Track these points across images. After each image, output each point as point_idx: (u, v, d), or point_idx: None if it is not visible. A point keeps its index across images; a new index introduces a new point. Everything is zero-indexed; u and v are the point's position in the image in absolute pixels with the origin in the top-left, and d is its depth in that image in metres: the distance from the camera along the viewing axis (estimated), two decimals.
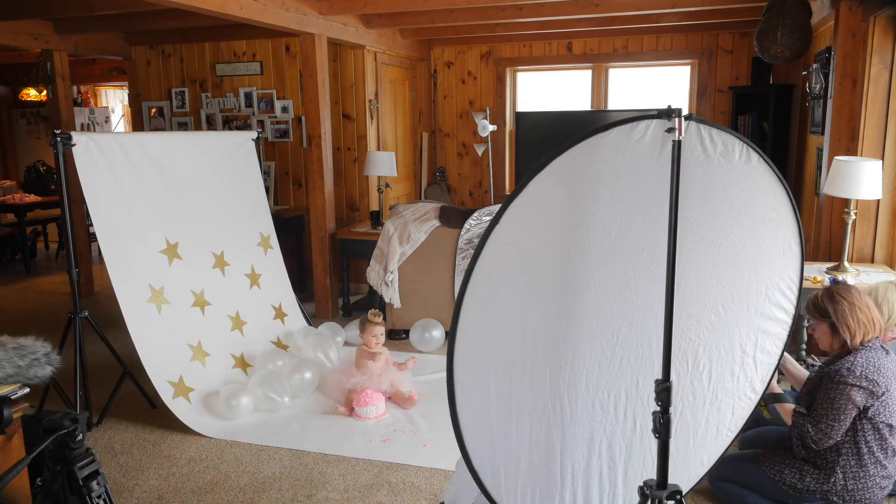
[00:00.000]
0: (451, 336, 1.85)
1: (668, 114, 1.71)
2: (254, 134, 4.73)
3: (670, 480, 2.03)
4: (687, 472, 2.24)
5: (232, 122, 6.29)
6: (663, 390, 1.80)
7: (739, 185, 1.89)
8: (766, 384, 2.25)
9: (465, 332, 1.84)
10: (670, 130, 1.71)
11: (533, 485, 2.06)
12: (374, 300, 5.39)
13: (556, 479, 2.07)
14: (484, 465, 2.00)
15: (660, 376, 1.83)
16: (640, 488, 1.92)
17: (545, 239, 1.87)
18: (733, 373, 2.14)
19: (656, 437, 1.83)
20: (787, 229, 2.00)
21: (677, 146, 1.71)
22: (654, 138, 1.76)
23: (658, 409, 1.81)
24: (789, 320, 2.17)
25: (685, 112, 1.75)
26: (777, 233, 1.99)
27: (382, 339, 4.03)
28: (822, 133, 4.33)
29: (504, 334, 1.91)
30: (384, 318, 4.95)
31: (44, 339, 1.68)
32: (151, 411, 3.81)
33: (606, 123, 1.75)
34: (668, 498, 1.87)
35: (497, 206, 4.75)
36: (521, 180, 1.77)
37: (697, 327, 2.03)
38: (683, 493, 2.17)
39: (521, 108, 7.05)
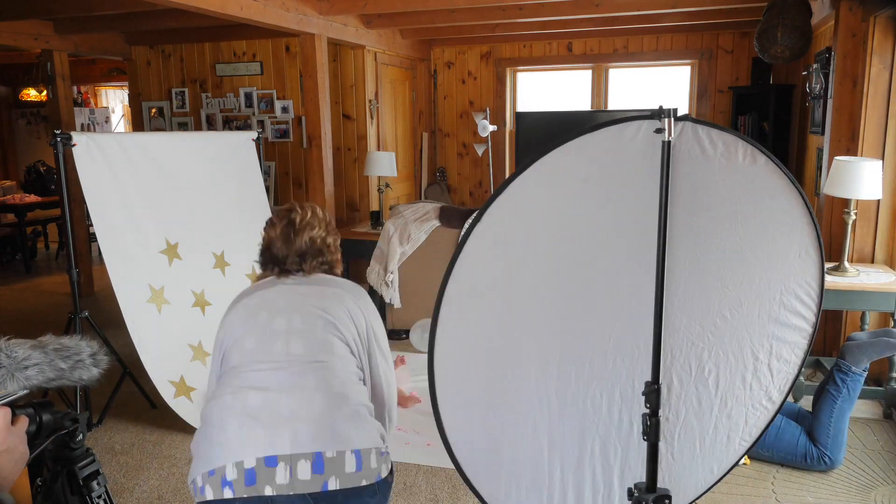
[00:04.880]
0: (431, 330, 1.87)
1: (658, 114, 1.70)
2: (254, 134, 4.73)
3: (675, 487, 2.03)
4: (693, 479, 2.23)
5: (232, 122, 6.28)
6: (652, 392, 1.80)
7: (744, 186, 1.88)
8: (784, 394, 2.20)
9: (446, 327, 1.86)
10: (659, 131, 1.71)
11: (518, 480, 2.06)
12: (374, 300, 5.38)
13: (544, 475, 2.07)
14: (466, 457, 2.01)
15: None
16: (629, 490, 1.92)
17: (530, 238, 1.87)
18: (745, 380, 2.11)
19: (644, 440, 1.83)
20: (802, 233, 1.96)
21: (667, 147, 1.71)
22: (647, 139, 1.76)
23: (647, 411, 1.81)
24: (809, 328, 2.11)
25: (683, 112, 1.75)
26: (791, 237, 1.96)
27: None
28: (822, 133, 4.33)
29: (486, 331, 1.92)
30: (384, 319, 4.96)
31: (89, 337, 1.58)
32: (151, 411, 3.81)
33: (594, 124, 1.75)
34: (656, 501, 1.86)
35: None
36: (505, 180, 1.79)
37: (701, 331, 2.01)
38: (692, 501, 2.17)
39: (521, 108, 7.05)
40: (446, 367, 1.94)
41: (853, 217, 3.60)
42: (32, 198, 7.75)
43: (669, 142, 1.71)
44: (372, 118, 6.00)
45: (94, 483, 1.63)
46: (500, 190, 1.79)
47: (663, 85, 6.77)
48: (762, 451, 3.07)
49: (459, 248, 1.81)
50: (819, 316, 2.09)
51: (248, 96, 6.19)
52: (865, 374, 3.07)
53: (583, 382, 2.00)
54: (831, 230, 4.05)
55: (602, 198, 1.84)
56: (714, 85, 6.34)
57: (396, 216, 4.97)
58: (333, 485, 1.67)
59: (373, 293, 5.34)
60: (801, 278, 2.02)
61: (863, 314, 3.73)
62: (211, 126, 6.34)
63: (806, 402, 3.67)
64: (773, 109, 5.55)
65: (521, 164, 1.77)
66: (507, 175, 7.24)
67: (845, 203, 3.63)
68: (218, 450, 1.70)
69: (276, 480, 1.63)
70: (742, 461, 3.05)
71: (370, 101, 5.96)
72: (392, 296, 4.84)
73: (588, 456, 2.08)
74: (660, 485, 1.92)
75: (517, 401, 2.00)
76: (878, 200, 3.81)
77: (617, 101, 6.83)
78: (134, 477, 3.14)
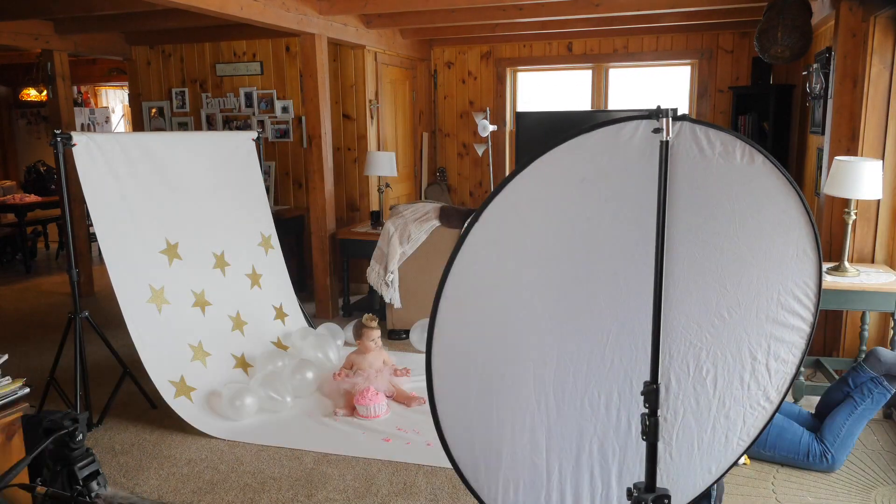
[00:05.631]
0: (429, 327, 1.87)
1: (656, 114, 1.70)
2: (254, 134, 4.73)
3: (673, 487, 2.03)
4: (692, 478, 2.23)
5: (232, 122, 6.28)
6: (650, 392, 1.80)
7: (742, 186, 1.88)
8: (782, 394, 2.20)
9: (443, 326, 1.86)
10: (657, 131, 1.71)
11: (516, 479, 2.07)
12: (374, 300, 5.39)
13: (542, 474, 2.07)
14: (463, 455, 2.01)
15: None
16: (629, 490, 1.92)
17: (528, 238, 1.88)
18: (743, 380, 2.11)
19: (643, 440, 1.83)
20: (800, 233, 1.96)
21: (665, 147, 1.71)
22: (644, 139, 1.76)
23: (646, 410, 1.81)
24: (807, 328, 2.11)
25: (682, 112, 1.74)
26: (789, 237, 1.96)
27: (379, 341, 4.05)
28: (823, 133, 4.33)
29: (483, 330, 1.93)
30: (384, 319, 4.96)
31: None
32: (151, 411, 3.81)
33: (592, 124, 1.75)
34: (655, 501, 1.86)
35: None
36: (503, 180, 1.79)
37: (699, 331, 2.02)
38: (690, 501, 2.16)
39: (521, 108, 7.05)
40: (444, 366, 1.94)
41: (853, 217, 3.60)
42: (32, 198, 7.75)
43: (667, 141, 1.71)
44: (372, 118, 6.00)
45: (94, 483, 1.64)
46: (498, 189, 1.79)
47: (663, 85, 6.76)
48: (763, 450, 3.07)
49: (457, 247, 1.82)
50: (817, 316, 2.09)
51: (249, 96, 6.19)
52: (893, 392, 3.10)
53: (581, 382, 2.00)
54: (831, 230, 4.05)
55: (600, 197, 1.85)
56: (714, 85, 6.33)
57: (396, 216, 4.97)
58: None
59: (373, 293, 5.34)
60: (798, 278, 2.03)
61: (863, 314, 3.73)
62: (211, 126, 6.34)
63: (805, 402, 3.67)
64: (773, 109, 5.55)
65: (520, 163, 1.78)
66: (507, 175, 7.23)
67: (845, 203, 3.63)
68: None
69: None
70: (742, 461, 3.05)
71: (370, 101, 5.96)
72: (392, 296, 4.84)
73: (586, 456, 2.08)
74: (658, 485, 1.92)
75: (515, 400, 2.00)
76: (878, 200, 3.81)
77: (617, 101, 6.82)
78: (134, 477, 3.14)
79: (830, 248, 4.04)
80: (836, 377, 3.77)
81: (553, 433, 2.04)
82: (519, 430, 2.02)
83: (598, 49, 6.61)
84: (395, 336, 4.96)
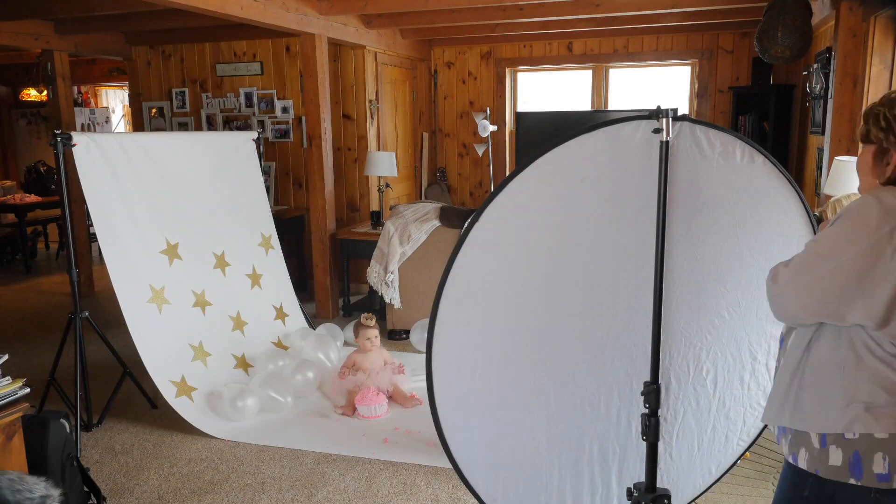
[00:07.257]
0: (429, 328, 1.87)
1: (656, 115, 1.71)
2: (254, 134, 4.73)
3: (673, 487, 2.03)
4: (692, 479, 2.23)
5: (232, 123, 6.29)
6: (651, 392, 1.80)
7: (743, 186, 1.88)
8: None
9: (444, 326, 1.86)
10: (657, 131, 1.71)
11: (516, 478, 2.07)
12: (374, 300, 5.39)
13: (542, 474, 2.07)
14: (463, 455, 2.01)
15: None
16: (629, 490, 1.92)
17: (528, 237, 1.88)
18: (743, 380, 2.11)
19: (643, 440, 1.83)
20: (800, 233, 1.96)
21: (665, 147, 1.71)
22: (645, 139, 1.76)
23: (646, 411, 1.81)
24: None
25: (682, 112, 1.74)
26: (789, 237, 1.96)
27: (377, 340, 4.04)
28: (823, 133, 4.33)
29: (484, 330, 1.93)
30: (384, 319, 4.96)
31: (52, 483, 1.51)
32: (152, 411, 3.81)
33: (592, 124, 1.75)
34: (655, 501, 1.86)
35: None
36: (503, 180, 1.79)
37: (699, 331, 2.02)
38: (691, 501, 2.16)
39: (521, 108, 7.05)
40: (444, 367, 1.94)
41: None
42: (32, 198, 7.75)
43: (667, 142, 1.71)
44: (372, 118, 6.00)
45: None
46: (498, 189, 1.79)
47: (663, 85, 6.76)
48: None
49: (458, 247, 1.82)
50: None
51: (249, 96, 6.19)
52: None
53: (581, 382, 2.00)
54: None
55: (600, 198, 1.85)
56: (714, 85, 6.33)
57: (397, 216, 4.97)
58: None
59: (373, 293, 5.34)
60: None
61: None
62: (211, 126, 6.34)
63: None
64: (773, 109, 5.55)
65: (520, 163, 1.78)
66: (507, 175, 7.21)
67: None
68: None
69: None
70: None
71: (370, 101, 5.96)
72: (392, 296, 4.84)
73: (586, 456, 2.08)
74: (658, 485, 1.92)
75: (515, 400, 2.00)
76: None
77: (617, 101, 6.82)
78: (134, 477, 3.14)
79: None
80: None
81: (553, 433, 2.04)
82: (519, 431, 2.02)
83: (598, 49, 6.61)
84: (395, 336, 4.96)
